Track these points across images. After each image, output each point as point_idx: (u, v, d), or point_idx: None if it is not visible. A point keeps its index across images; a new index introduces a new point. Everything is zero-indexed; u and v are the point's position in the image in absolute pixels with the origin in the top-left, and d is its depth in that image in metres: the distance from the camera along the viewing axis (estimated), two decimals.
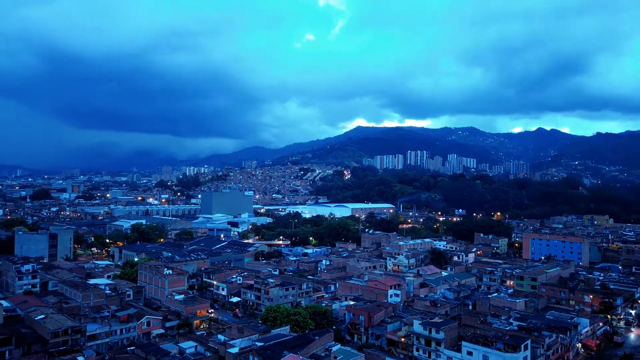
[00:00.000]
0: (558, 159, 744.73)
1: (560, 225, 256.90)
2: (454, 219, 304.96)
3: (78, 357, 62.15)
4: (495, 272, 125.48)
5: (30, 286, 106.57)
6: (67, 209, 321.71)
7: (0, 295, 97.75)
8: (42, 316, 76.05)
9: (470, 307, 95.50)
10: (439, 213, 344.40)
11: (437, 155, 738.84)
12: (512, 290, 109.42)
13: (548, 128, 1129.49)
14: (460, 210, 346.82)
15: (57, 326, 72.34)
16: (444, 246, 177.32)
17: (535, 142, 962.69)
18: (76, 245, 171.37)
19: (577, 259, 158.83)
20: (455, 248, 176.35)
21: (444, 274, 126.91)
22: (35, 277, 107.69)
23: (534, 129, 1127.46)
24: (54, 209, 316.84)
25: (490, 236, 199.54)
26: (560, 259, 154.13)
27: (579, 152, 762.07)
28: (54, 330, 71.34)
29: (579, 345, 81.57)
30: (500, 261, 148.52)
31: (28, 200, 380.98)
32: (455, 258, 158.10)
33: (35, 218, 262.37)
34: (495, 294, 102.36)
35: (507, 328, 75.57)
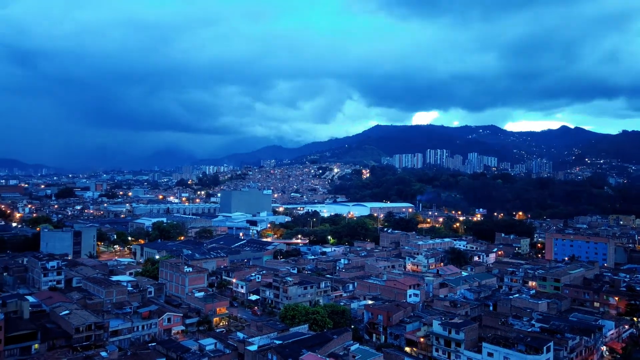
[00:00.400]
0: (582, 158, 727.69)
1: (585, 226, 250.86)
2: (475, 219, 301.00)
3: (101, 352, 63.36)
4: (517, 273, 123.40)
5: (55, 282, 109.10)
6: (91, 207, 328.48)
7: (26, 291, 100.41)
8: (67, 312, 77.82)
9: (491, 308, 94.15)
10: (459, 212, 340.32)
11: (457, 153, 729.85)
12: (534, 291, 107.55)
13: (572, 126, 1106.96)
14: (480, 209, 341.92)
15: (81, 322, 73.95)
16: (464, 246, 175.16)
17: (558, 140, 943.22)
18: (99, 243, 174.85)
19: (601, 260, 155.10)
20: (476, 248, 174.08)
21: (464, 274, 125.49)
22: (60, 274, 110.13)
23: (557, 126, 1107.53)
24: (78, 207, 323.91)
25: (511, 236, 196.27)
26: (585, 259, 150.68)
27: (604, 150, 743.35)
28: (77, 326, 72.93)
29: (604, 348, 79.63)
30: (522, 262, 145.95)
31: (53, 198, 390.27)
32: (476, 258, 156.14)
33: (60, 216, 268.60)
34: (517, 295, 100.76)
35: (529, 330, 74.26)
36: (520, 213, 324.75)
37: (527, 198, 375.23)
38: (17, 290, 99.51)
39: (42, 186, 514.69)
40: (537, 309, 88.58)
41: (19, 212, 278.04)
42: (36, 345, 68.93)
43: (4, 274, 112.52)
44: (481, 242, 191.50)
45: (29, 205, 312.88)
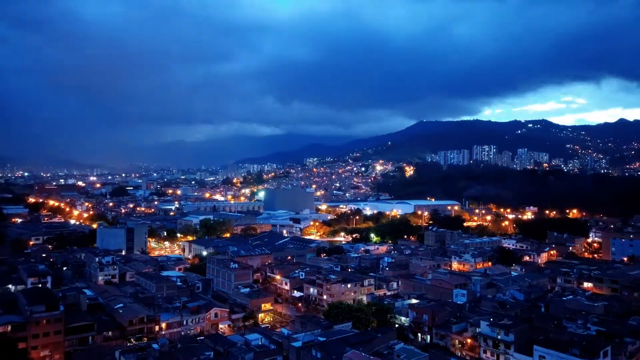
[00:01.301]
0: None
1: None
2: (524, 217, 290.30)
3: (153, 345, 65.76)
4: (571, 273, 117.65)
5: (110, 277, 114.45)
6: (142, 205, 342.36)
7: (84, 284, 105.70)
8: (121, 305, 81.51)
9: (543, 310, 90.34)
10: (508, 210, 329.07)
11: (505, 149, 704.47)
12: (589, 292, 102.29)
13: (631, 119, 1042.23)
14: (531, 207, 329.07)
15: (134, 315, 77.27)
16: (513, 245, 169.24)
17: (616, 135, 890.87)
18: (150, 239, 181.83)
19: None
20: (526, 247, 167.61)
21: (514, 274, 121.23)
22: (115, 269, 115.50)
23: (614, 119, 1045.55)
24: (130, 205, 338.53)
25: (565, 235, 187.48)
26: None
27: None
28: (131, 318, 76.26)
29: None
30: (576, 261, 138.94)
31: (107, 197, 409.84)
32: (526, 258, 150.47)
33: (114, 213, 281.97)
34: (571, 297, 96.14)
35: (584, 333, 70.69)
36: (575, 211, 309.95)
37: (581, 195, 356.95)
38: (75, 283, 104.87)
39: (98, 185, 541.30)
40: (593, 311, 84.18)
41: (76, 210, 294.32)
42: (93, 337, 72.64)
43: (64, 268, 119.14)
44: (532, 240, 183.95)
45: (86, 204, 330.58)
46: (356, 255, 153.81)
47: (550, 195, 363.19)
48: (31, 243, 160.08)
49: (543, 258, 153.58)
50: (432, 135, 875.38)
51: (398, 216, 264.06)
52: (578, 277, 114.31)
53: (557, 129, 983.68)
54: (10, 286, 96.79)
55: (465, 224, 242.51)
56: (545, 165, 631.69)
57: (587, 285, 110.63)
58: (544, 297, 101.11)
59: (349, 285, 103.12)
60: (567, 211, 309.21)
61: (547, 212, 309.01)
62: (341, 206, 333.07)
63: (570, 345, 63.57)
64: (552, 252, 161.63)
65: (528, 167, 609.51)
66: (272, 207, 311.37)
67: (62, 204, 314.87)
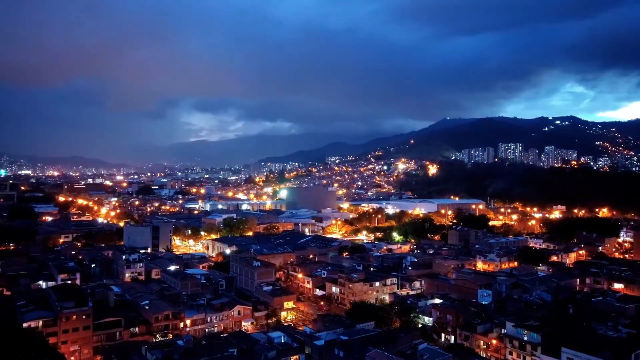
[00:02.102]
0: None
1: None
2: (552, 216, 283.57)
3: (177, 341, 66.82)
4: (601, 274, 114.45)
5: (136, 274, 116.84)
6: (167, 203, 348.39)
7: (111, 281, 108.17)
8: (147, 301, 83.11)
9: (571, 311, 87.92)
10: (535, 209, 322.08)
11: (532, 147, 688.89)
12: (620, 294, 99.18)
13: None
14: (558, 206, 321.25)
15: (159, 311, 78.69)
16: (540, 244, 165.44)
17: None
18: (175, 237, 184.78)
19: None
20: (554, 247, 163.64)
21: (540, 274, 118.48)
22: (141, 266, 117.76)
23: None
24: (155, 203, 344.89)
25: (594, 234, 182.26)
26: None
27: None
28: (156, 315, 77.70)
29: None
30: (606, 262, 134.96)
31: (134, 195, 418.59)
32: (554, 257, 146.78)
33: (140, 212, 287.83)
34: (601, 298, 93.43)
35: (615, 335, 68.66)
36: (605, 210, 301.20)
37: (611, 194, 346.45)
38: (103, 280, 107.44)
39: (124, 184, 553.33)
40: (624, 313, 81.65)
41: (104, 209, 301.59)
42: (120, 332, 74.27)
43: (92, 265, 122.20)
44: (559, 240, 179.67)
45: (113, 202, 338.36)
46: (378, 254, 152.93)
47: (579, 193, 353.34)
48: (61, 241, 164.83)
49: (571, 258, 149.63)
50: (455, 132, 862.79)
51: (421, 215, 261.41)
52: (608, 277, 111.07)
53: (586, 126, 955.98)
54: (41, 282, 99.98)
55: (490, 223, 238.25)
56: (574, 163, 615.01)
57: (617, 286, 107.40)
58: (572, 298, 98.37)
59: (371, 284, 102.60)
60: (597, 210, 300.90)
61: (575, 211, 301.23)
62: (363, 205, 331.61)
63: (600, 347, 61.81)
64: (580, 252, 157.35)
65: (555, 165, 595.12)
66: (294, 206, 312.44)
67: (90, 203, 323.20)
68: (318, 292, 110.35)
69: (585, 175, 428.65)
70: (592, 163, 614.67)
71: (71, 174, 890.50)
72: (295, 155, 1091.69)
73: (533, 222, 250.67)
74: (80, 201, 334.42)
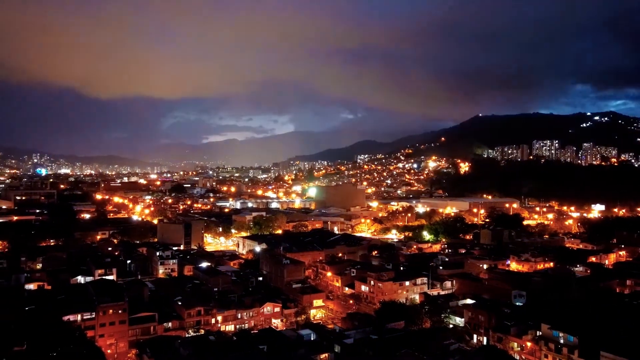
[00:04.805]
0: None
1: None
2: (590, 215, 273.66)
3: (209, 336, 67.99)
4: None
5: (170, 270, 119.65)
6: (199, 201, 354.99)
7: (146, 277, 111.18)
8: (180, 297, 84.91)
9: (610, 314, 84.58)
10: (572, 208, 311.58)
11: (568, 144, 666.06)
12: None
13: None
14: (597, 205, 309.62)
15: (191, 307, 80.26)
16: (577, 244, 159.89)
17: None
18: (206, 235, 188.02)
19: None
20: (592, 247, 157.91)
21: (578, 275, 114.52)
22: (174, 263, 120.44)
23: None
24: (188, 202, 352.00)
25: (635, 235, 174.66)
26: None
27: None
28: (189, 311, 79.28)
29: None
30: None
31: (167, 194, 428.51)
32: (592, 258, 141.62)
33: (173, 209, 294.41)
34: None
35: None
36: None
37: None
38: (138, 276, 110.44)
39: (158, 183, 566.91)
40: None
41: (139, 206, 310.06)
42: (154, 326, 76.14)
43: (127, 261, 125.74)
44: (598, 240, 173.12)
45: (147, 200, 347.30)
46: (408, 253, 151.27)
47: (619, 192, 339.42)
48: (98, 237, 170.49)
49: (611, 259, 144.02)
50: (488, 129, 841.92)
51: (452, 214, 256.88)
52: None
53: (627, 122, 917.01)
54: (79, 277, 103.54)
55: (524, 223, 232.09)
56: (614, 160, 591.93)
57: None
58: (611, 300, 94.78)
59: (401, 284, 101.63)
60: (639, 209, 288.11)
61: (615, 210, 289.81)
62: (393, 203, 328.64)
63: None
64: (621, 252, 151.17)
65: (594, 162, 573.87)
66: (323, 204, 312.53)
67: (125, 201, 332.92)
68: (347, 290, 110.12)
69: (625, 173, 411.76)
70: (633, 160, 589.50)
71: (107, 172, 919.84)
72: (324, 153, 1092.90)
73: (570, 221, 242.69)
74: (116, 199, 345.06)
